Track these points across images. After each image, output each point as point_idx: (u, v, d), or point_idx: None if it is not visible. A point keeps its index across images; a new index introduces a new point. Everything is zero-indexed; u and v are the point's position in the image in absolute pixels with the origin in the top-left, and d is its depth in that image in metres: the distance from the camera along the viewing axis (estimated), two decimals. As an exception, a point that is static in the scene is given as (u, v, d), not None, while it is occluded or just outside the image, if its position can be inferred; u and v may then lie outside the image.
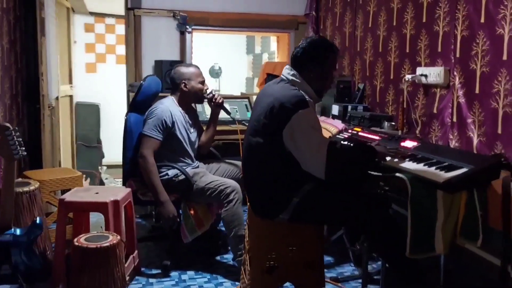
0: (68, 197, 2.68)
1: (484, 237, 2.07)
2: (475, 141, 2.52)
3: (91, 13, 6.58)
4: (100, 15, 6.67)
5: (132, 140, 3.07)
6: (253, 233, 2.35)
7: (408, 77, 3.03)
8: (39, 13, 3.58)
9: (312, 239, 2.30)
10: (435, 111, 2.88)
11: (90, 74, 6.74)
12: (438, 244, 2.12)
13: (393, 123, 3.20)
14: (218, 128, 3.31)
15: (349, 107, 3.64)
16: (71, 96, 5.32)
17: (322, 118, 3.59)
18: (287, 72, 2.29)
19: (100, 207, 2.61)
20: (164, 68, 4.16)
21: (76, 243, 2.24)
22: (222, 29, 4.69)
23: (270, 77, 4.47)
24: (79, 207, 2.68)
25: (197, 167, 3.12)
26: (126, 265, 2.73)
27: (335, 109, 3.78)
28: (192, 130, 3.12)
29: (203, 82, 3.10)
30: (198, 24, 4.53)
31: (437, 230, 2.12)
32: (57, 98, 4.64)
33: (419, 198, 2.07)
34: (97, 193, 2.77)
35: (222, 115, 3.26)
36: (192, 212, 2.95)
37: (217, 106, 3.14)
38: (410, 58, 3.14)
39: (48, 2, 3.73)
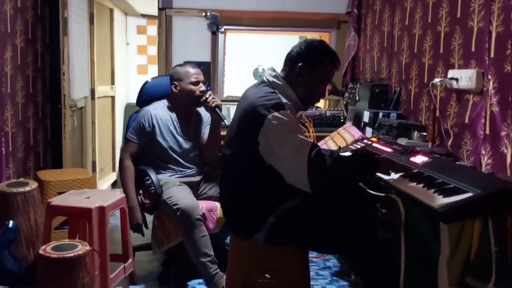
0: (56, 200, 2.58)
1: (499, 276, 1.66)
2: (509, 158, 2.08)
3: (143, 15, 6.65)
4: (152, 17, 6.70)
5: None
6: (231, 252, 2.09)
7: (436, 81, 2.61)
8: (62, 12, 3.56)
9: (295, 264, 2.00)
10: (466, 121, 2.44)
11: (142, 76, 6.81)
12: (443, 281, 1.74)
13: (424, 134, 2.78)
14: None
15: (380, 114, 3.25)
16: (112, 97, 5.35)
17: (345, 125, 3.24)
18: (268, 73, 2.02)
19: (84, 213, 2.47)
20: (190, 69, 4.00)
21: (41, 252, 2.11)
22: (257, 29, 4.46)
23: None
24: (64, 212, 2.57)
25: (194, 175, 2.90)
26: (113, 276, 2.59)
27: (366, 116, 3.40)
28: (183, 136, 2.89)
29: (196, 83, 2.83)
30: (231, 23, 4.33)
31: (441, 264, 1.74)
32: (93, 98, 4.67)
33: (415, 225, 1.71)
34: (88, 197, 2.64)
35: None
36: (156, 222, 2.75)
37: (210, 111, 2.85)
38: (444, 60, 2.71)
39: (72, 1, 3.71)
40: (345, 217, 1.88)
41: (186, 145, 2.88)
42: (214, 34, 4.33)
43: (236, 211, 1.96)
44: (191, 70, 2.83)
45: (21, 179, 2.96)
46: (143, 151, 2.86)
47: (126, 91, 6.42)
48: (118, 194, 2.75)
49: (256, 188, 1.90)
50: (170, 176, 2.82)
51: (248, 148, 1.87)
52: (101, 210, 2.49)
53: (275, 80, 1.96)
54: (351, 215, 1.89)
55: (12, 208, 2.69)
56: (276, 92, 1.92)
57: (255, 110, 1.84)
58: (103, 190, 2.87)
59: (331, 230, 1.86)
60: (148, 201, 2.78)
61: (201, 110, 2.98)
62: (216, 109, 2.76)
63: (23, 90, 3.25)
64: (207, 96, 2.79)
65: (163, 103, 2.89)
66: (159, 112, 2.83)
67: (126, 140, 2.86)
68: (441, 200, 1.59)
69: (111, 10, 5.31)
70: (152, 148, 2.83)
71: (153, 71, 6.78)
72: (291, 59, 2.01)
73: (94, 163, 4.77)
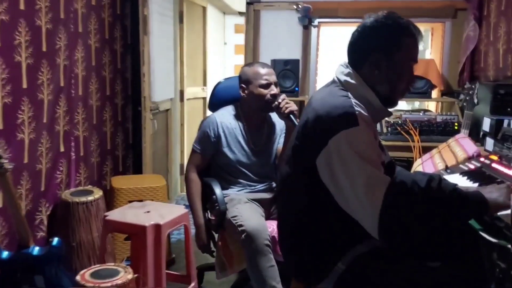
0: (112, 214, 2.34)
1: None
2: None
3: (241, 13, 6.41)
4: (251, 15, 6.45)
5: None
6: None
7: None
8: (142, 10, 3.38)
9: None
10: None
11: (239, 76, 6.59)
12: None
13: None
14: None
15: (505, 122, 2.57)
16: (204, 99, 5.16)
17: (458, 136, 2.60)
18: (340, 70, 1.54)
19: (138, 230, 2.20)
20: (277, 68, 3.59)
21: (78, 278, 1.86)
22: (355, 21, 3.89)
23: (419, 81, 3.55)
24: (118, 228, 2.32)
25: (265, 190, 2.48)
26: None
27: (486, 123, 2.73)
28: (253, 148, 2.48)
29: (267, 86, 2.39)
30: (325, 16, 3.85)
31: None
32: (182, 100, 4.49)
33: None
34: (148, 211, 2.38)
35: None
36: (220, 244, 2.36)
37: (283, 118, 2.38)
38: None
39: (153, -2, 3.52)
40: (446, 271, 1.35)
41: (256, 157, 2.49)
42: (306, 28, 3.89)
43: (297, 251, 1.52)
44: (261, 70, 2.42)
45: (89, 187, 2.80)
46: (211, 162, 2.53)
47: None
48: (182, 209, 2.45)
49: (320, 225, 1.44)
50: (238, 191, 2.44)
51: (306, 170, 1.42)
52: (157, 228, 2.20)
53: (348, 79, 1.48)
54: (455, 269, 1.35)
55: (74, 219, 2.53)
56: (349, 95, 1.44)
57: (319, 121, 1.39)
58: (167, 205, 2.59)
59: (417, 285, 1.33)
60: (214, 218, 2.44)
61: (275, 117, 2.56)
62: (291, 115, 2.31)
63: (98, 92, 3.10)
64: (279, 100, 2.35)
65: (231, 109, 2.54)
66: (226, 119, 2.48)
67: (192, 151, 2.55)
68: None
69: (204, 8, 5.11)
70: (218, 160, 2.49)
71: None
72: (356, 51, 1.52)
73: (182, 166, 4.61)
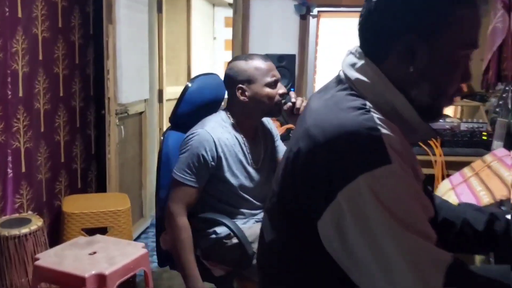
0: (44, 258, 1.76)
1: None
2: None
3: (231, 5, 5.83)
4: (242, 7, 5.87)
5: (169, 173, 1.99)
6: None
7: None
8: (105, -6, 2.80)
9: None
10: None
11: (230, 74, 6.02)
12: None
13: None
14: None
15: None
16: (187, 99, 4.56)
17: (498, 152, 2.03)
18: (350, 61, 0.96)
19: (75, 283, 1.62)
20: (269, 65, 3.01)
21: None
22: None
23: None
24: (51, 278, 1.73)
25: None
26: None
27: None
28: (253, 166, 1.90)
29: (274, 83, 1.82)
30: (326, 4, 3.28)
31: None
32: (160, 101, 3.92)
33: None
34: (94, 252, 1.80)
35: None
36: None
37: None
38: None
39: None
40: None
41: (257, 177, 1.91)
42: (304, 18, 3.31)
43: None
44: (263, 64, 1.83)
45: (27, 214, 2.22)
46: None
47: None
48: (140, 249, 1.88)
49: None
50: (243, 224, 1.86)
51: (297, 233, 0.86)
52: (101, 280, 1.63)
53: (360, 76, 0.91)
54: None
55: (3, 257, 1.95)
56: (367, 105, 0.87)
57: (316, 157, 0.82)
58: (122, 242, 1.99)
59: None
60: (221, 266, 1.84)
61: (264, 120, 2.00)
62: None
63: (48, 92, 2.52)
64: (294, 100, 1.80)
65: (223, 116, 1.91)
66: (222, 134, 1.84)
67: (175, 182, 1.84)
68: None
69: (188, -2, 4.53)
70: (213, 189, 1.88)
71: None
72: (376, 33, 0.92)
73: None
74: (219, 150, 1.80)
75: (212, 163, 1.79)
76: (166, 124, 4.03)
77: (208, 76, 2.10)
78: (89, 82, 2.94)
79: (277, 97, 1.82)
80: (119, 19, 2.92)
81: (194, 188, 1.80)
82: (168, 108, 4.10)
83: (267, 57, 1.91)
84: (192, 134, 1.82)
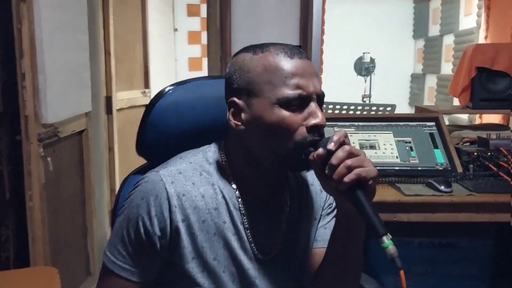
0: None
1: None
2: None
3: (195, -11, 4.89)
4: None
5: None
6: None
7: None
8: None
9: None
10: None
11: (195, 73, 5.07)
12: None
13: None
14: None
15: None
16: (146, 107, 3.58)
17: None
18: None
19: None
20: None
21: None
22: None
23: (483, 74, 2.16)
24: None
25: None
26: None
27: None
28: (257, 257, 0.97)
29: (300, 102, 0.88)
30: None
31: None
32: (109, 112, 2.93)
33: None
34: None
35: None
36: None
37: (347, 192, 0.84)
38: None
39: None
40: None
41: (265, 276, 0.98)
42: (306, 2, 2.40)
43: None
44: (284, 61, 0.89)
45: None
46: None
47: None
48: None
49: None
50: None
51: None
52: None
53: None
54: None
55: None
56: None
57: None
58: None
59: None
60: None
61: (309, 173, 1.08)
62: (359, 193, 0.82)
63: None
64: (331, 146, 0.83)
65: (206, 157, 0.99)
66: (195, 186, 0.94)
67: (103, 269, 0.96)
68: None
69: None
70: (167, 279, 0.96)
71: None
72: None
73: (114, 212, 3.04)
74: (178, 216, 0.91)
75: (161, 240, 0.91)
76: (118, 144, 3.05)
77: (200, 82, 1.21)
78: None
79: (302, 132, 0.89)
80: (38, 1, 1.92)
81: (132, 284, 0.93)
82: (121, 120, 3.13)
83: (300, 50, 0.98)
84: (138, 181, 0.96)
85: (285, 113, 0.88)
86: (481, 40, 2.94)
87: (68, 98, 2.22)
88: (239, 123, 0.92)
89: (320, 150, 0.85)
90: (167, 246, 0.91)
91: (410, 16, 5.04)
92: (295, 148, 0.88)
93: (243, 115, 0.92)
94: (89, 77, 2.48)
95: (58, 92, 2.09)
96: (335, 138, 0.85)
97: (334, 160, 0.83)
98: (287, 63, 0.90)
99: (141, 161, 1.25)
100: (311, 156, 0.87)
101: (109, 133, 2.98)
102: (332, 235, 0.98)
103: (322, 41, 2.51)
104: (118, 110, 3.07)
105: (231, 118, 0.93)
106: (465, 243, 2.21)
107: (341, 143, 0.84)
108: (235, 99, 0.93)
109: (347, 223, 0.92)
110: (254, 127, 0.90)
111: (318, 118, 0.88)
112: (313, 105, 0.90)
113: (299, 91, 0.88)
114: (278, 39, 2.18)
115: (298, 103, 0.88)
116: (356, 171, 0.82)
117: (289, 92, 0.88)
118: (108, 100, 2.96)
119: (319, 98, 0.91)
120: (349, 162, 0.82)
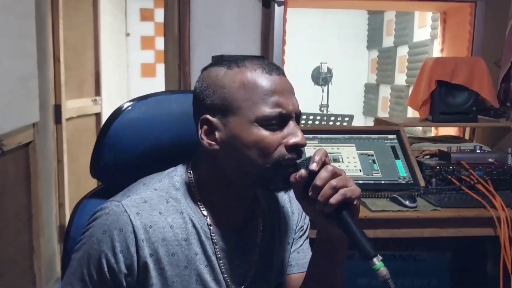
0: None
1: None
2: None
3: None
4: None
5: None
6: None
7: None
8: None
9: None
10: None
11: (148, 80, 4.94)
12: None
13: None
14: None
15: None
16: (97, 115, 3.42)
17: None
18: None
19: None
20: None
21: None
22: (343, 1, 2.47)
23: (443, 88, 2.18)
24: None
25: None
26: None
27: None
28: (230, 283, 0.91)
29: (280, 121, 0.83)
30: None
31: None
32: (59, 121, 2.76)
33: None
34: None
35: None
36: None
37: (333, 214, 0.80)
38: None
39: None
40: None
41: None
42: (268, 6, 2.36)
43: None
44: (263, 78, 0.84)
45: None
46: None
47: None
48: None
49: None
50: None
51: None
52: None
53: None
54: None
55: None
56: None
57: None
58: None
59: None
60: None
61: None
62: (345, 214, 0.79)
63: None
64: (314, 167, 0.80)
65: (173, 182, 0.90)
66: (162, 217, 0.86)
67: None
68: None
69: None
70: None
71: (163, 72, 4.91)
72: None
73: (62, 228, 2.86)
74: (146, 251, 0.83)
75: (128, 278, 0.83)
76: (67, 155, 2.89)
77: (162, 97, 1.13)
78: None
79: (281, 151, 0.84)
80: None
81: None
82: (70, 130, 2.96)
83: (277, 66, 0.91)
84: (96, 212, 0.86)
85: (264, 132, 0.83)
86: (436, 52, 3.00)
87: (13, 109, 2.05)
88: (213, 143, 0.85)
89: (303, 172, 0.81)
90: (134, 284, 0.83)
91: (365, 27, 5.11)
92: (273, 167, 0.83)
93: (217, 134, 0.85)
94: (37, 85, 2.31)
95: (2, 103, 1.92)
96: (316, 158, 0.81)
97: (318, 181, 0.79)
98: (265, 80, 0.84)
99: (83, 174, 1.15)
100: (292, 178, 0.82)
101: (58, 144, 2.81)
102: (313, 259, 0.95)
103: (283, 51, 2.46)
104: (68, 119, 2.91)
105: (203, 137, 0.86)
106: (425, 255, 2.23)
107: (324, 163, 0.80)
108: (208, 117, 0.86)
109: (330, 246, 0.89)
110: (230, 146, 0.84)
111: (298, 137, 0.84)
112: (292, 124, 0.85)
113: (279, 110, 0.83)
114: (240, 49, 2.14)
115: (278, 122, 0.84)
116: (342, 191, 0.79)
117: (268, 110, 0.82)
118: (57, 109, 2.79)
119: (297, 116, 0.87)
120: (334, 182, 0.79)
